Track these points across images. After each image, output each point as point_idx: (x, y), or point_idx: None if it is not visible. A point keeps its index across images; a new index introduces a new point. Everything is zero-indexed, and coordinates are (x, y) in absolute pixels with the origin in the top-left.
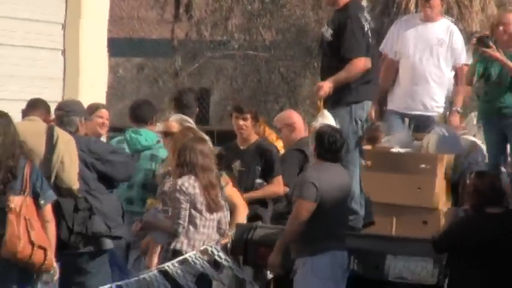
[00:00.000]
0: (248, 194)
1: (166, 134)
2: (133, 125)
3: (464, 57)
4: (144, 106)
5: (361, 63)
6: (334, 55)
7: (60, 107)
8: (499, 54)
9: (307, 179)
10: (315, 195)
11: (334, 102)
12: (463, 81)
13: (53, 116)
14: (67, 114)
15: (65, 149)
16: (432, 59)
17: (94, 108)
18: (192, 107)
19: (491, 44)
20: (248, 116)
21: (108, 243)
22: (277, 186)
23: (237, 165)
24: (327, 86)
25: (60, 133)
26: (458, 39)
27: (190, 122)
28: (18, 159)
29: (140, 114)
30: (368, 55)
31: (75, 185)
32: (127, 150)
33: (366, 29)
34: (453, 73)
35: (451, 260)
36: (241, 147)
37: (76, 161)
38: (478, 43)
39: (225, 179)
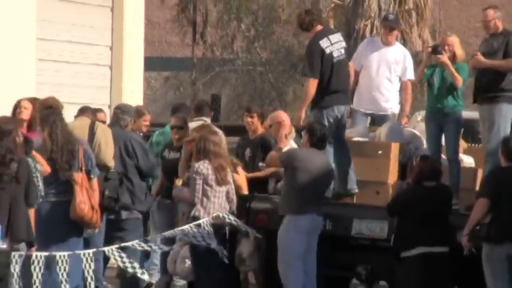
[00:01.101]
0: (253, 174)
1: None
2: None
3: (411, 74)
4: (182, 107)
5: (309, 83)
6: None
7: (119, 107)
8: (448, 61)
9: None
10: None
11: (312, 107)
12: (408, 92)
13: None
14: (122, 113)
15: (102, 137)
16: (388, 74)
17: (141, 113)
18: (206, 111)
19: (442, 51)
20: (255, 114)
21: (135, 213)
22: (274, 168)
23: (247, 152)
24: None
25: (99, 126)
26: (410, 61)
27: (206, 121)
28: (74, 145)
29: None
30: (320, 74)
31: (110, 162)
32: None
33: (327, 51)
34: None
35: (398, 221)
36: (251, 138)
37: (111, 145)
38: (433, 51)
39: (235, 163)
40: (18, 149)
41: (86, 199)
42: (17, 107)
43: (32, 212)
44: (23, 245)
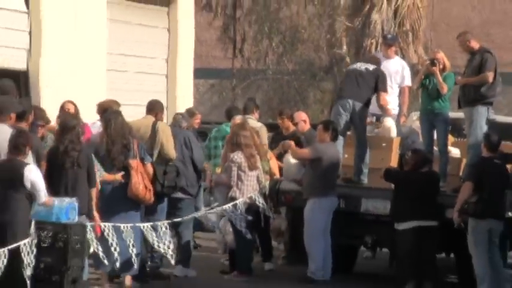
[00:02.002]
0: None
1: None
2: (226, 120)
3: (409, 82)
4: (234, 109)
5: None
6: None
7: (179, 113)
8: (438, 72)
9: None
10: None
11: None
12: (406, 96)
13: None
14: (182, 117)
15: (163, 135)
16: (389, 82)
17: (193, 113)
18: (250, 109)
19: (436, 64)
20: (284, 116)
21: (188, 194)
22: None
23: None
24: None
25: (160, 124)
26: (407, 71)
27: (251, 118)
28: (129, 139)
29: (231, 114)
30: None
31: (173, 155)
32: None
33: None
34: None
35: (395, 199)
36: (284, 134)
37: (171, 141)
38: (431, 63)
39: (270, 154)
40: (79, 141)
41: (140, 180)
42: (63, 107)
43: (94, 192)
44: (83, 217)
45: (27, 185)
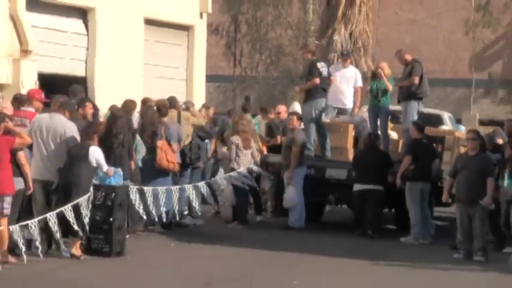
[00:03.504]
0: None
1: None
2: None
3: (360, 83)
4: (247, 104)
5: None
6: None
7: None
8: (385, 78)
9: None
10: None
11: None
12: (358, 95)
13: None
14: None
15: (184, 122)
16: (346, 84)
17: (208, 106)
18: (247, 109)
19: (377, 74)
20: (272, 111)
21: (201, 164)
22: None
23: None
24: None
25: (182, 114)
26: (359, 76)
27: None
28: (157, 126)
29: (247, 108)
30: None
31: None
32: None
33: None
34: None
35: (354, 169)
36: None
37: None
38: (372, 75)
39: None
40: (124, 127)
41: (163, 156)
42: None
43: (132, 163)
44: (127, 181)
45: (92, 160)
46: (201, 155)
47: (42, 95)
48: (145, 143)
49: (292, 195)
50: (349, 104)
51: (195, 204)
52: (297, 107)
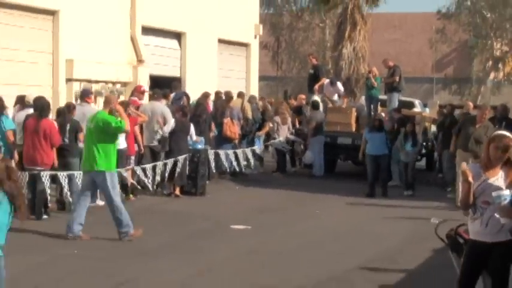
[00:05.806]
0: None
1: None
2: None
3: (342, 93)
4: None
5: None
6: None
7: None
8: (372, 79)
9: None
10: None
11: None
12: (344, 99)
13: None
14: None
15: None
16: (335, 93)
17: (264, 98)
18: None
19: (370, 76)
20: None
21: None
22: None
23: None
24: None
25: (246, 105)
26: (341, 88)
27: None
28: (225, 108)
29: (286, 96)
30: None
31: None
32: None
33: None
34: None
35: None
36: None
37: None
38: (367, 77)
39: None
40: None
41: (228, 128)
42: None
43: (211, 133)
44: (207, 146)
45: (190, 133)
46: (253, 130)
47: (142, 89)
48: (216, 120)
49: (309, 156)
50: (339, 100)
51: (252, 160)
52: (315, 97)
